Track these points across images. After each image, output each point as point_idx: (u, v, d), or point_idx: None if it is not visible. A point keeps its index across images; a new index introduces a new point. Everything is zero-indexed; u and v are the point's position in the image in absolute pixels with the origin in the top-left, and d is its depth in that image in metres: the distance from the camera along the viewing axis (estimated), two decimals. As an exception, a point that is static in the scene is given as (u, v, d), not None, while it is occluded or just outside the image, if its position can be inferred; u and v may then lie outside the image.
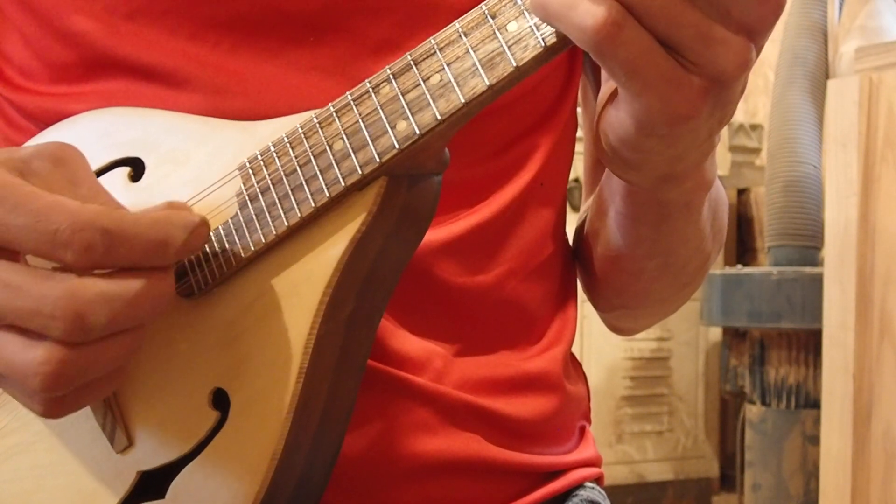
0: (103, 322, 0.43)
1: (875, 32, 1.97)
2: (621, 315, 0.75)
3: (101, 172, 0.55)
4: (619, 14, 0.40)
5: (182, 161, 0.54)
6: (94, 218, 0.43)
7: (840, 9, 2.15)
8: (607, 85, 0.48)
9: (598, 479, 0.71)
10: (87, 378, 0.45)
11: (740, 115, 3.15)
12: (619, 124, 0.46)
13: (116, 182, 0.55)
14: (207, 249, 0.51)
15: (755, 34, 0.42)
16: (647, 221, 0.59)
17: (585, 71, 0.71)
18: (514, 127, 0.64)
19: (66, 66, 0.60)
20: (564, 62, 0.67)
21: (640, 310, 0.73)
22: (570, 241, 0.73)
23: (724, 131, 2.74)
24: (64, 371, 0.43)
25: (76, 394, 0.46)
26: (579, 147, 0.69)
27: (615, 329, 0.78)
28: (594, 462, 0.70)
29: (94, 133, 0.57)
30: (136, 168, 0.55)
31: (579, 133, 0.72)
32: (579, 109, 0.72)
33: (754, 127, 2.89)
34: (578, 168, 0.74)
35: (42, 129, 0.60)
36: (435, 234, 0.60)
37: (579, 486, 0.68)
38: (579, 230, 0.72)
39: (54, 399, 0.45)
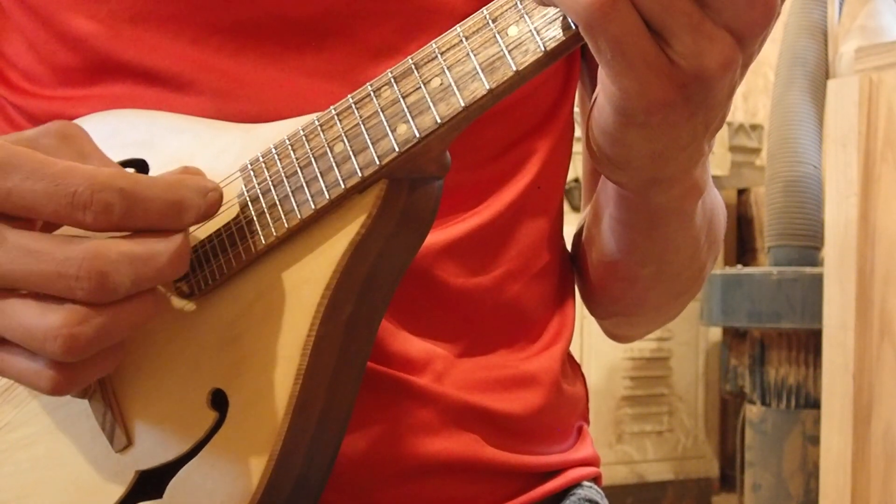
0: (127, 281, 0.44)
1: (875, 32, 1.97)
2: (618, 322, 0.75)
3: None
4: None
5: (186, 162, 0.54)
6: (112, 179, 0.43)
7: (840, 9, 2.15)
8: (599, 87, 0.48)
9: (595, 479, 0.71)
10: (107, 341, 0.45)
11: (740, 115, 3.15)
12: (600, 113, 0.46)
13: None
14: (208, 249, 0.51)
15: (744, 39, 0.42)
16: (639, 227, 0.59)
17: (583, 77, 0.72)
18: (512, 131, 0.64)
19: (69, 69, 0.61)
20: (562, 68, 0.67)
21: (637, 317, 0.73)
22: (570, 243, 0.74)
23: (724, 131, 2.75)
24: (86, 333, 0.44)
25: (87, 365, 0.46)
26: (578, 147, 0.69)
27: (613, 336, 0.78)
28: (592, 461, 0.70)
29: (100, 135, 0.57)
30: (141, 169, 0.55)
31: (578, 133, 0.72)
32: (577, 109, 0.72)
33: (754, 127, 2.89)
34: (578, 168, 0.74)
35: None
36: (434, 237, 0.60)
37: (577, 484, 0.68)
38: (577, 237, 0.72)
39: (66, 368, 0.45)
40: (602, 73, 0.44)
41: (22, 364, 0.46)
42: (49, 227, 0.47)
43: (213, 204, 0.47)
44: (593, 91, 0.71)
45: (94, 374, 0.47)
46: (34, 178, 0.43)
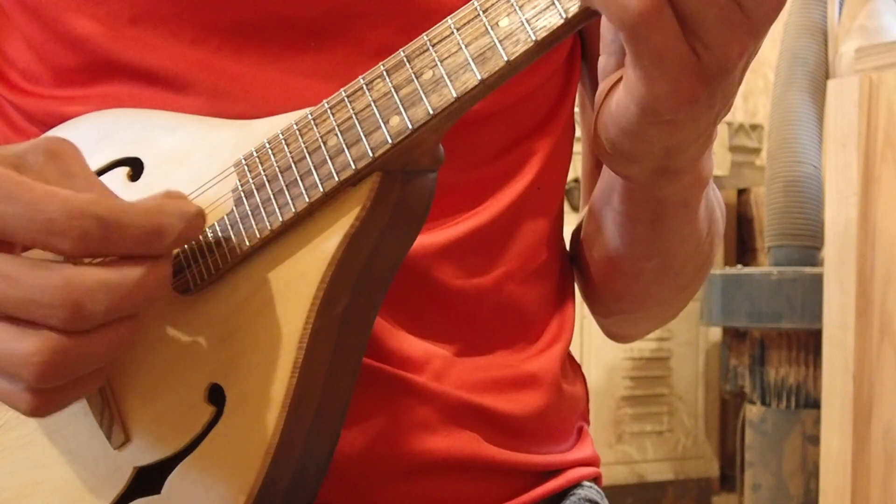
0: (102, 310, 0.43)
1: (875, 32, 1.97)
2: (620, 320, 0.75)
3: (100, 173, 0.56)
4: None
5: (180, 160, 0.54)
6: (88, 206, 0.43)
7: (840, 9, 2.15)
8: (605, 81, 0.48)
9: (595, 479, 0.71)
10: (81, 369, 0.44)
11: (740, 115, 3.15)
12: (622, 113, 0.47)
13: (115, 182, 0.55)
14: (204, 245, 0.51)
15: (755, 27, 0.43)
16: (645, 220, 0.59)
17: (583, 78, 0.72)
18: (512, 131, 0.64)
19: (69, 69, 0.61)
20: (562, 67, 0.67)
21: (639, 314, 0.73)
22: (568, 243, 0.74)
23: (724, 131, 2.75)
24: (59, 360, 0.43)
25: (65, 389, 0.45)
26: (578, 147, 0.69)
27: (614, 336, 0.78)
28: (592, 461, 0.70)
29: (95, 134, 0.57)
30: (135, 168, 0.55)
31: (578, 133, 0.72)
32: (577, 109, 0.72)
33: (754, 127, 2.89)
34: (578, 168, 0.74)
35: (44, 131, 0.60)
36: (434, 237, 0.60)
37: (577, 484, 0.68)
38: (576, 234, 0.72)
39: (43, 393, 0.44)
40: (629, 75, 0.45)
41: (2, 384, 0.45)
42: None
43: (194, 228, 0.46)
44: (594, 91, 0.71)
45: (72, 398, 0.46)
46: (10, 203, 0.42)
